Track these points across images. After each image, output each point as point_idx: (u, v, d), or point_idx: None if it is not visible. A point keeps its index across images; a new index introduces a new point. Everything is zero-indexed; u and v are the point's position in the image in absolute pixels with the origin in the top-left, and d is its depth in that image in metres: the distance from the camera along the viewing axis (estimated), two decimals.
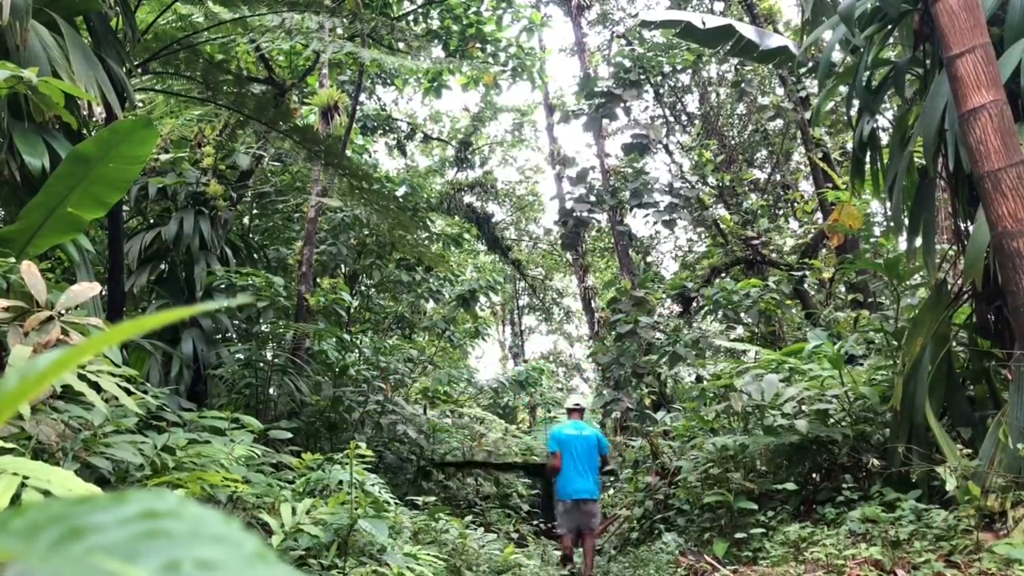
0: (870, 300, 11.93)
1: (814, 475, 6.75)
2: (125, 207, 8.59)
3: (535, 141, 24.52)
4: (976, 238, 5.15)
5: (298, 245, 11.87)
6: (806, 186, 17.58)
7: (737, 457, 6.92)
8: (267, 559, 0.33)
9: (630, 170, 14.87)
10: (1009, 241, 4.54)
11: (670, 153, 17.66)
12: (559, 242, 18.47)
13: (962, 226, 5.93)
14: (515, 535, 9.79)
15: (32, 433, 2.87)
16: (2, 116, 4.47)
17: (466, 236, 18.45)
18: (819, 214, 15.12)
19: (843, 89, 7.25)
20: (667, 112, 17.96)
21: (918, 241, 6.06)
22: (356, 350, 10.62)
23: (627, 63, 15.42)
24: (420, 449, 10.71)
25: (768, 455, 6.97)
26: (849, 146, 11.68)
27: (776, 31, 14.69)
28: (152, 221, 9.36)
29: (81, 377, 2.78)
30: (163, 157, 9.02)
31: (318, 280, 11.05)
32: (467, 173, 20.25)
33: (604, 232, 19.77)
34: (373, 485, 4.47)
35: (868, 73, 6.33)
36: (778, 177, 17.17)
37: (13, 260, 3.45)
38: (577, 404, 8.26)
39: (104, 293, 6.00)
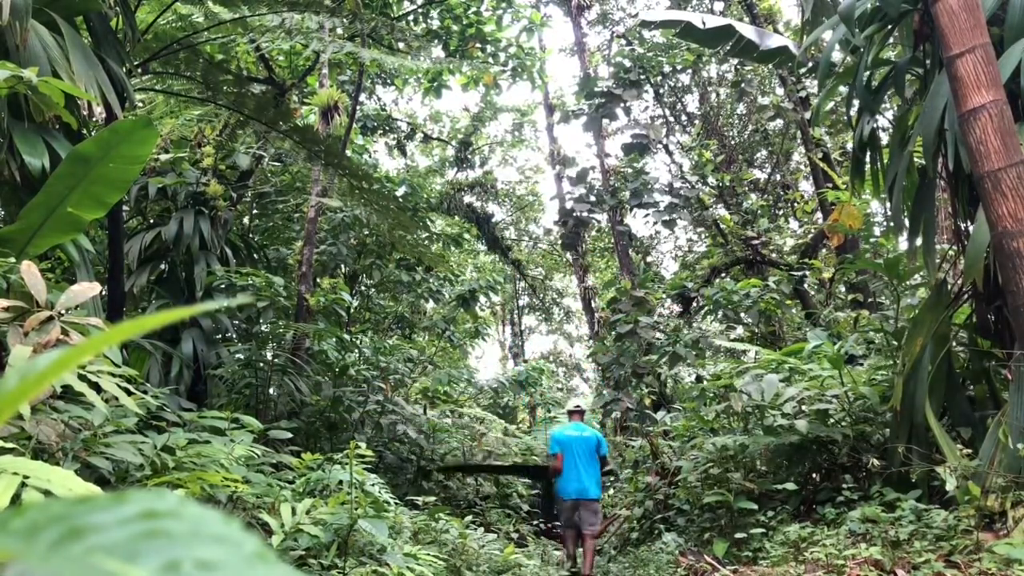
0: (870, 300, 11.93)
1: (814, 475, 6.75)
2: (125, 207, 8.59)
3: (535, 141, 24.54)
4: (976, 238, 5.15)
5: (298, 245, 11.87)
6: (806, 186, 17.58)
7: (737, 457, 6.93)
8: (267, 559, 0.33)
9: (630, 170, 14.87)
10: (1009, 241, 4.54)
11: (670, 153, 17.67)
12: (559, 242, 18.47)
13: (962, 226, 5.94)
14: (515, 535, 9.79)
15: (32, 433, 2.87)
16: (2, 116, 4.47)
17: (466, 236, 18.45)
18: (819, 214, 15.12)
19: (843, 89, 7.25)
20: (667, 112, 17.96)
21: (918, 241, 6.06)
22: (356, 350, 10.62)
23: (627, 63, 15.42)
24: (420, 449, 10.71)
25: (768, 455, 6.97)
26: (849, 146, 11.69)
27: (776, 31, 14.70)
28: (152, 221, 9.36)
29: (81, 377, 2.78)
30: (163, 157, 9.02)
31: (318, 280, 11.06)
32: (467, 173, 20.26)
33: (604, 232, 19.77)
34: (373, 485, 4.47)
35: (868, 73, 6.33)
36: (778, 177, 17.17)
37: (13, 260, 3.45)
38: (577, 406, 8.38)
39: (104, 293, 6.00)
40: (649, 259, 18.43)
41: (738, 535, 6.07)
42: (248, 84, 9.79)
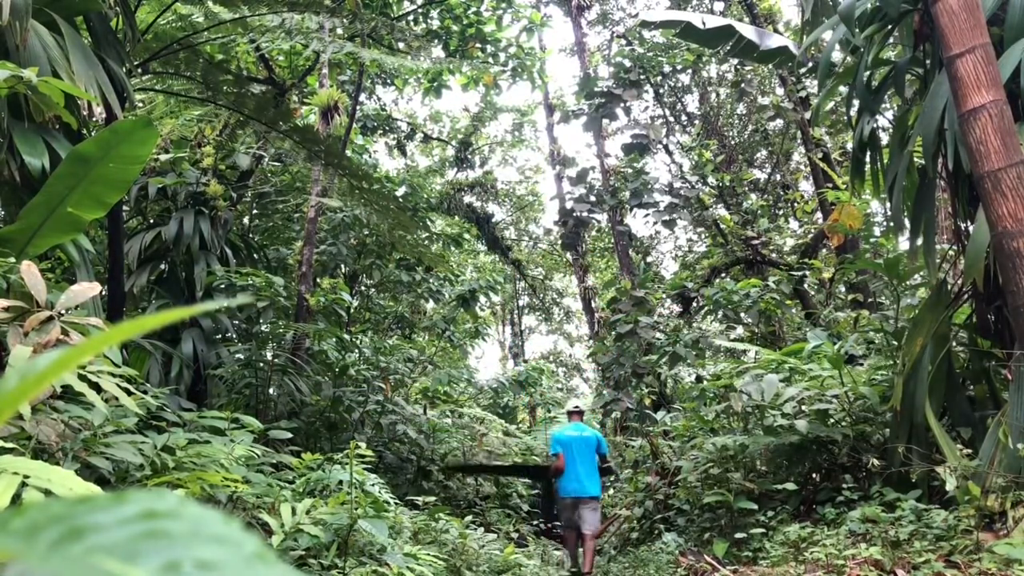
0: (870, 300, 11.93)
1: (814, 475, 6.75)
2: (125, 207, 8.59)
3: (535, 141, 24.54)
4: (976, 238, 5.15)
5: (298, 245, 11.86)
6: (806, 186, 17.58)
7: (737, 457, 6.93)
8: (267, 559, 0.33)
9: (630, 170, 14.86)
10: (1009, 241, 4.54)
11: (670, 153, 17.67)
12: (559, 242, 18.47)
13: (962, 226, 5.94)
14: (515, 535, 9.79)
15: (32, 433, 2.87)
16: (2, 116, 4.47)
17: (466, 236, 18.45)
18: (819, 214, 15.12)
19: (843, 89, 7.25)
20: (667, 112, 17.96)
21: (918, 241, 6.06)
22: (356, 350, 10.62)
23: (627, 63, 15.42)
24: (420, 449, 10.71)
25: (768, 455, 6.97)
26: (849, 146, 11.69)
27: (776, 31, 14.69)
28: (152, 221, 9.36)
29: (81, 377, 2.78)
30: (163, 157, 9.02)
31: (318, 280, 11.05)
32: (467, 173, 20.26)
33: (604, 232, 19.77)
34: (373, 485, 4.47)
35: (868, 73, 6.33)
36: (778, 177, 17.17)
37: (13, 260, 3.45)
38: (577, 407, 8.51)
39: (104, 293, 6.00)
40: (649, 259, 18.43)
41: (738, 535, 6.07)
42: (248, 84, 9.79)
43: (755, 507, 6.30)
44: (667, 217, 14.55)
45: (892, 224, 6.44)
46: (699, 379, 11.01)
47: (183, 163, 9.06)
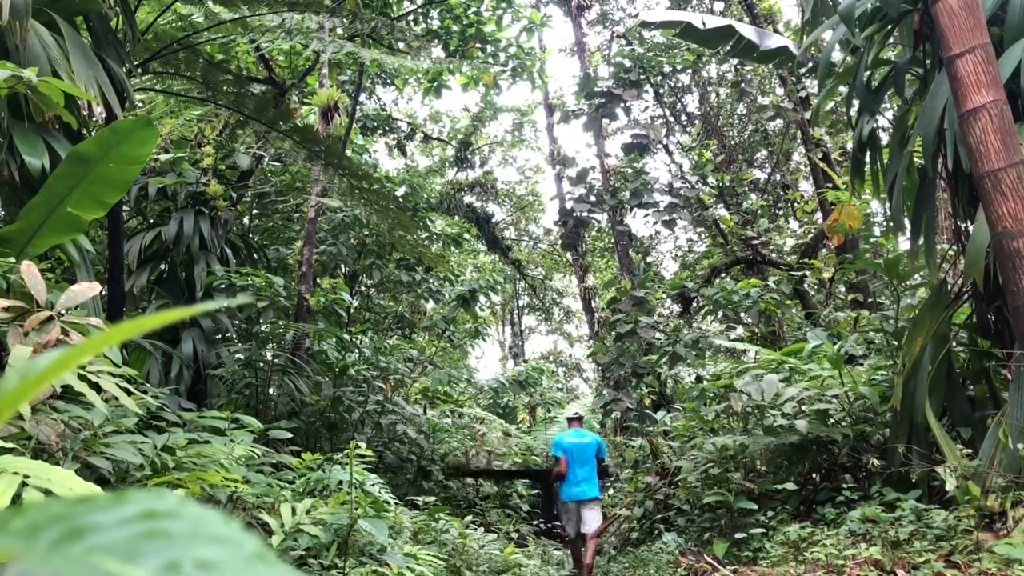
0: (870, 300, 11.94)
1: (814, 475, 6.75)
2: (125, 207, 8.59)
3: (535, 141, 24.55)
4: (976, 238, 5.15)
5: (298, 245, 11.87)
6: (806, 186, 17.58)
7: (737, 457, 6.93)
8: (267, 559, 0.33)
9: (630, 170, 14.86)
10: (1009, 241, 4.54)
11: (670, 153, 17.66)
12: (559, 242, 18.47)
13: (962, 226, 5.93)
14: (515, 535, 9.79)
15: (32, 433, 2.87)
16: (2, 116, 4.47)
17: (466, 236, 18.45)
18: (819, 214, 15.12)
19: (843, 89, 7.25)
20: (667, 112, 17.96)
21: (919, 241, 6.06)
22: (356, 350, 10.62)
23: (627, 63, 15.42)
24: (420, 449, 10.71)
25: (768, 455, 6.97)
26: (849, 146, 11.69)
27: (776, 31, 14.69)
28: (152, 221, 9.36)
29: (81, 377, 2.78)
30: (163, 157, 9.02)
31: (318, 280, 11.05)
32: (467, 173, 20.26)
33: (604, 232, 19.77)
34: (373, 485, 4.47)
35: (868, 73, 6.33)
36: (778, 177, 17.17)
37: (13, 260, 3.45)
38: (576, 413, 8.63)
39: (104, 293, 6.00)
40: (649, 259, 18.43)
41: (738, 535, 6.07)
42: (248, 84, 9.79)
43: (755, 507, 6.30)
44: (667, 217, 14.55)
45: (892, 224, 6.44)
46: (699, 379, 11.01)
47: (183, 163, 9.06)
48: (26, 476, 2.07)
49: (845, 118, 8.80)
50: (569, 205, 16.21)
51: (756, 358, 9.14)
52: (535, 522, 12.09)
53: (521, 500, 12.71)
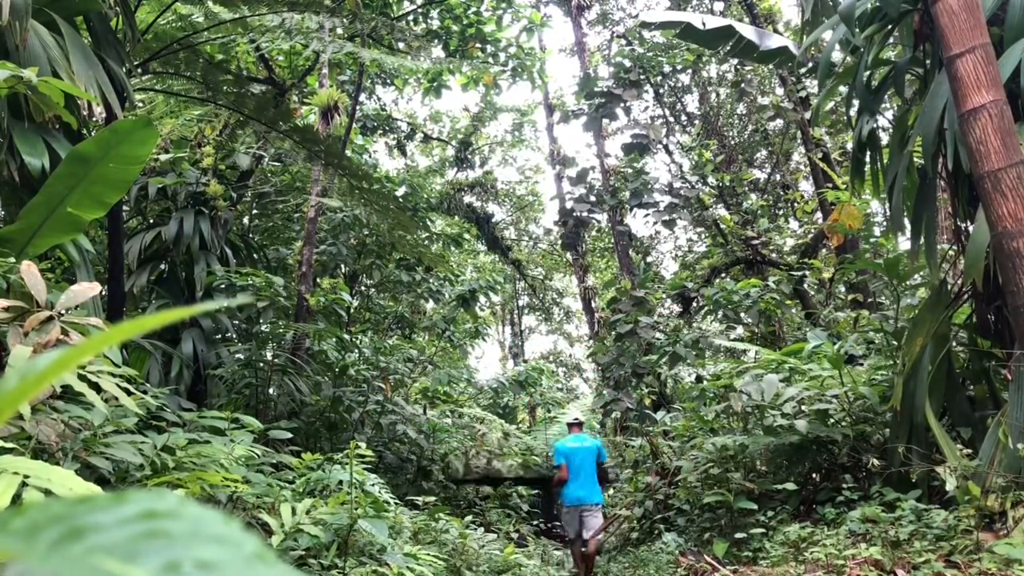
0: (870, 300, 11.94)
1: (814, 475, 6.75)
2: (125, 207, 8.59)
3: (535, 141, 24.55)
4: (976, 238, 5.14)
5: (298, 245, 11.86)
6: (806, 186, 17.58)
7: (737, 457, 6.92)
8: (267, 559, 0.33)
9: (630, 170, 14.86)
10: (1009, 241, 4.53)
11: (670, 153, 17.66)
12: (559, 242, 18.46)
13: (962, 226, 5.93)
14: (515, 535, 9.79)
15: (32, 433, 2.87)
16: (2, 116, 4.47)
17: (466, 236, 18.45)
18: (819, 214, 15.12)
19: (843, 89, 7.25)
20: (667, 112, 17.96)
21: (919, 241, 6.06)
22: (356, 350, 10.62)
23: (627, 63, 15.42)
24: (420, 449, 10.71)
25: (768, 455, 6.96)
26: (849, 146, 11.69)
27: (776, 31, 14.70)
28: (152, 221, 9.36)
29: (81, 377, 2.78)
30: (163, 157, 9.02)
31: (318, 280, 11.05)
32: (467, 173, 20.26)
33: (604, 232, 19.77)
34: (373, 485, 4.47)
35: (868, 73, 6.33)
36: (778, 177, 17.17)
37: (13, 260, 3.45)
38: (576, 419, 8.78)
39: (104, 293, 6.00)
40: (649, 259, 18.43)
41: (738, 535, 6.07)
42: (248, 84, 9.79)
43: (755, 507, 6.30)
44: (667, 217, 14.55)
45: (892, 224, 6.44)
46: (699, 379, 11.01)
47: (183, 163, 9.06)
48: (26, 476, 2.07)
49: (845, 118, 8.80)
50: (569, 205, 16.21)
51: (756, 358, 9.14)
52: (535, 522, 12.09)
53: (521, 500, 12.70)
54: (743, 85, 15.50)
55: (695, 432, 8.23)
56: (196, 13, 8.70)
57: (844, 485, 5.93)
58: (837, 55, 7.08)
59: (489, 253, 21.79)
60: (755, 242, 14.60)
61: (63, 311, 3.06)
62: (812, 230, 14.72)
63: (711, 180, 15.85)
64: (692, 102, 18.63)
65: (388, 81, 16.44)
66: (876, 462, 5.80)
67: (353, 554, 4.00)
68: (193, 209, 8.91)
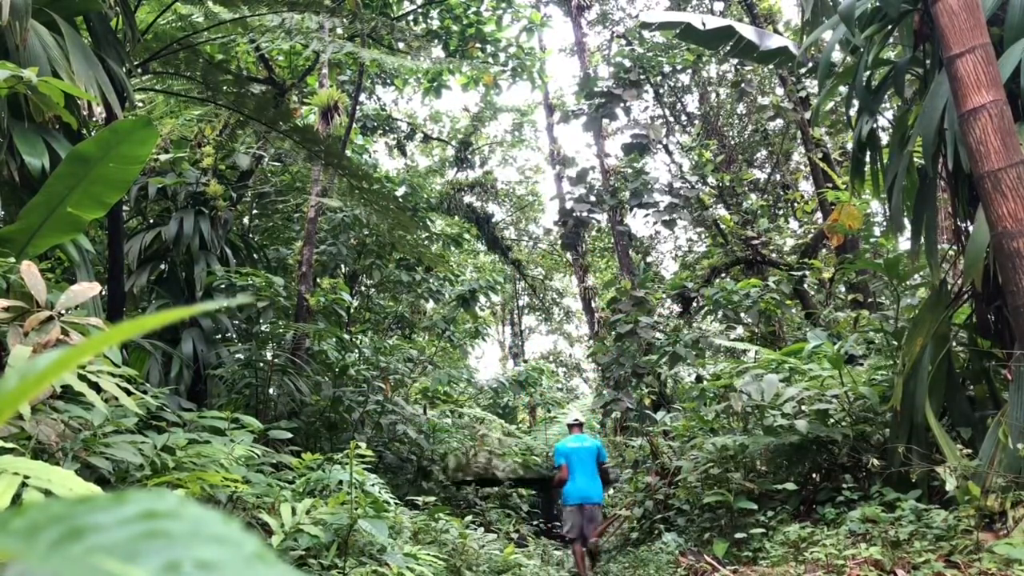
0: (870, 300, 11.94)
1: (814, 475, 6.75)
2: (125, 207, 8.59)
3: (535, 141, 24.55)
4: (976, 238, 5.14)
5: (298, 245, 11.86)
6: (806, 186, 17.58)
7: (737, 457, 6.92)
8: (267, 559, 0.33)
9: (630, 170, 14.86)
10: (1009, 241, 4.53)
11: (670, 153, 17.66)
12: (559, 242, 18.46)
13: (962, 226, 5.93)
14: (515, 535, 9.79)
15: (32, 433, 2.87)
16: (2, 116, 4.47)
17: (466, 236, 18.45)
18: (819, 214, 15.12)
19: (843, 89, 7.25)
20: (667, 112, 17.96)
21: (919, 241, 6.06)
22: (356, 350, 10.62)
23: (627, 63, 15.42)
24: (420, 449, 10.71)
25: (768, 455, 6.96)
26: (849, 146, 11.68)
27: (776, 31, 14.70)
28: (152, 221, 9.36)
29: (81, 377, 2.78)
30: (163, 157, 9.02)
31: (318, 280, 11.05)
32: (467, 173, 20.26)
33: (604, 232, 19.77)
34: (373, 485, 4.47)
35: (868, 73, 6.33)
36: (778, 177, 17.17)
37: (13, 260, 3.45)
38: (576, 420, 8.91)
39: (104, 293, 6.00)
40: (649, 259, 18.42)
41: (738, 535, 6.07)
42: (248, 84, 9.79)
43: (755, 507, 6.30)
44: (667, 217, 14.55)
45: (892, 224, 6.44)
46: (699, 379, 11.01)
47: (183, 163, 9.06)
48: (26, 476, 2.07)
49: (845, 118, 8.80)
50: (569, 205, 16.21)
51: (756, 358, 9.14)
52: (535, 522, 12.09)
53: (521, 500, 12.70)
54: (743, 85, 15.50)
55: (695, 432, 8.23)
56: (196, 13, 8.70)
57: (844, 485, 5.93)
58: (837, 55, 7.08)
59: (489, 253, 21.79)
60: (755, 242, 14.60)
61: (63, 311, 3.06)
62: (812, 230, 14.72)
63: (711, 180, 15.85)
64: (692, 102, 18.64)
65: (388, 81, 16.44)
66: (876, 462, 5.80)
67: (353, 554, 4.00)
68: (193, 209, 8.91)
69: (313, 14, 8.19)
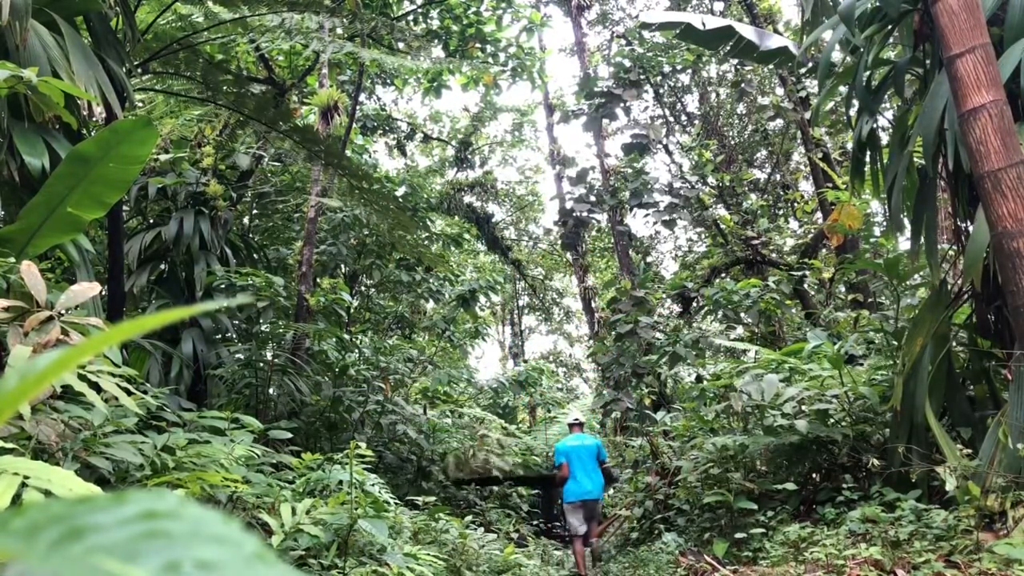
0: (870, 300, 11.94)
1: (814, 475, 6.75)
2: (125, 207, 8.59)
3: (535, 141, 24.55)
4: (976, 238, 5.14)
5: (298, 245, 11.86)
6: (806, 186, 17.58)
7: (737, 457, 6.92)
8: (267, 559, 0.33)
9: (630, 170, 14.86)
10: (1009, 241, 4.53)
11: (670, 153, 17.66)
12: (559, 242, 18.46)
13: (962, 226, 5.93)
14: (515, 535, 9.79)
15: (32, 433, 2.87)
16: (2, 116, 4.47)
17: (466, 236, 18.45)
18: (819, 214, 15.12)
19: (843, 89, 7.25)
20: (667, 112, 17.96)
21: (919, 241, 6.06)
22: (356, 350, 10.62)
23: (627, 63, 15.42)
24: (420, 449, 10.71)
25: (768, 455, 6.96)
26: (849, 146, 11.68)
27: (776, 31, 14.70)
28: (152, 221, 9.36)
29: (81, 377, 2.78)
30: (163, 157, 9.02)
31: (318, 280, 11.05)
32: (467, 173, 20.26)
33: (604, 232, 19.77)
34: (373, 485, 4.47)
35: (868, 73, 6.33)
36: (778, 177, 17.17)
37: (13, 260, 3.45)
38: (576, 419, 9.06)
39: (104, 293, 6.00)
40: (649, 259, 18.42)
41: (738, 535, 6.07)
42: (248, 84, 9.79)
43: (755, 507, 6.30)
44: (667, 217, 14.55)
45: (892, 224, 6.44)
46: (699, 379, 11.01)
47: (183, 163, 9.06)
48: (26, 476, 2.07)
49: (845, 118, 8.79)
50: (569, 205, 16.21)
51: (756, 358, 9.14)
52: (535, 522, 12.09)
53: (521, 500, 12.70)
54: (743, 85, 15.50)
55: (695, 432, 8.23)
56: (196, 13, 8.70)
57: (844, 485, 5.93)
58: (837, 55, 7.08)
59: (489, 253, 21.79)
60: (755, 242, 14.60)
61: (63, 311, 3.06)
62: (812, 230, 14.72)
63: (711, 180, 15.85)
64: (692, 102, 18.64)
65: (388, 81, 16.44)
66: (876, 462, 5.80)
67: (353, 554, 4.00)
68: (193, 209, 8.91)
69: (313, 14, 8.19)
